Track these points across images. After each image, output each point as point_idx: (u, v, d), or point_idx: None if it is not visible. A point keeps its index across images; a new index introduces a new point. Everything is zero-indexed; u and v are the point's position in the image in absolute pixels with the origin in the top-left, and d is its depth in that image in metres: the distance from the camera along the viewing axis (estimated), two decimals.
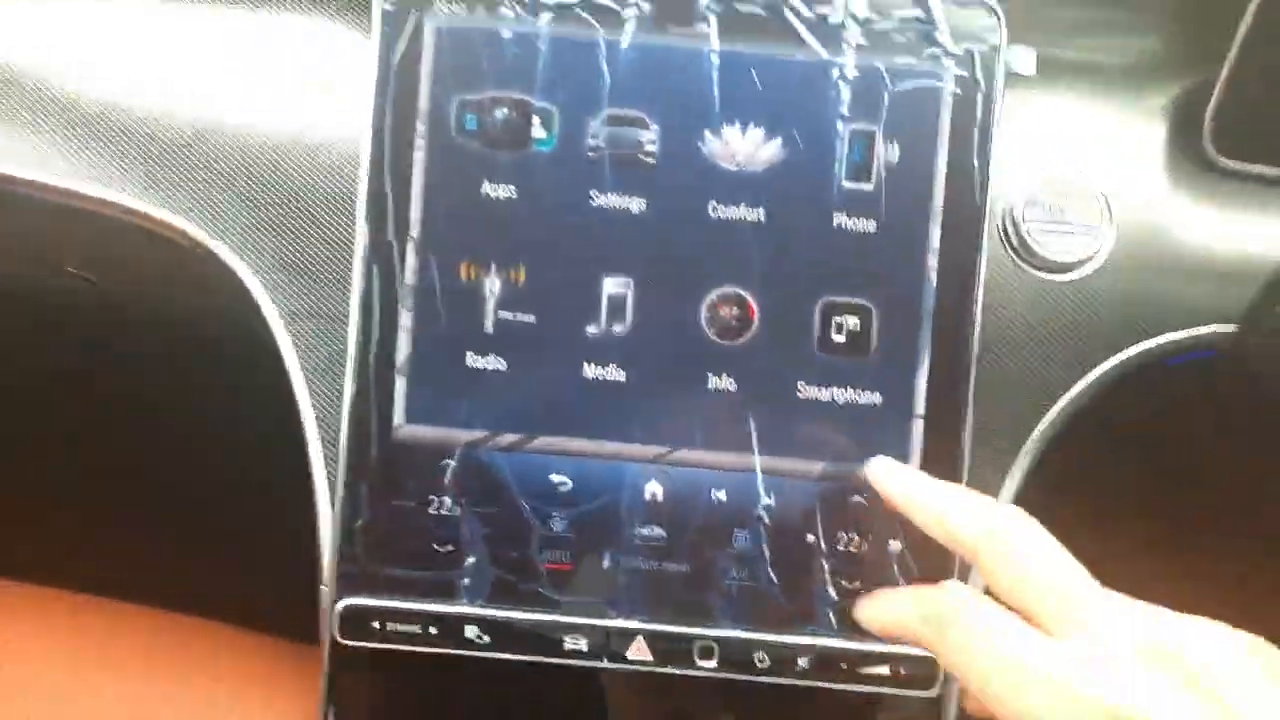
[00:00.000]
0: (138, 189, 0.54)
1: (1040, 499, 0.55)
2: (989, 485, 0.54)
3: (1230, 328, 0.55)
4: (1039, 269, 0.55)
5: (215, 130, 0.54)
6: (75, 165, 0.54)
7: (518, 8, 0.52)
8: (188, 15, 0.55)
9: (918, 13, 0.52)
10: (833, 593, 0.52)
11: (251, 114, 0.54)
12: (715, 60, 0.52)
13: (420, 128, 0.52)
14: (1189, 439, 0.70)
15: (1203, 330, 0.55)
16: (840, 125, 0.52)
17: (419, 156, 0.52)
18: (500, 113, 0.52)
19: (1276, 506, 0.74)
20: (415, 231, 0.52)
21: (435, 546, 0.52)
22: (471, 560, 0.52)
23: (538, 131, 0.52)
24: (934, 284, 0.52)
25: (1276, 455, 0.68)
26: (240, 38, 0.55)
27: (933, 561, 0.52)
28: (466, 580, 0.52)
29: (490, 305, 0.52)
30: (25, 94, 0.54)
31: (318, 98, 0.54)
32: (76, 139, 0.54)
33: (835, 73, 0.52)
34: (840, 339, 0.52)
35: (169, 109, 0.54)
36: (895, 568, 0.52)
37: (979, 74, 0.52)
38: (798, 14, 0.52)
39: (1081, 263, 0.55)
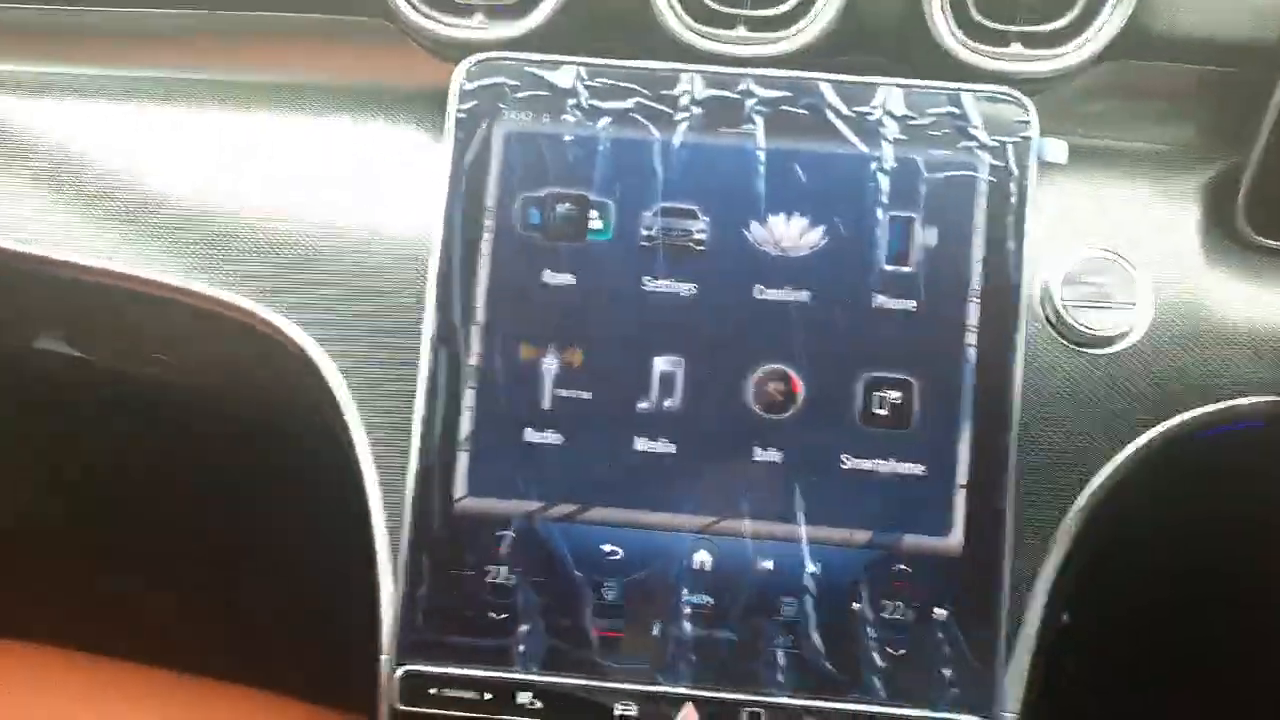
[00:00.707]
0: (221, 280, 0.59)
1: (1086, 565, 0.56)
2: (1035, 553, 0.55)
3: (1274, 398, 0.56)
4: (1079, 344, 0.57)
5: (295, 222, 0.59)
6: (170, 261, 0.59)
7: (578, 113, 0.56)
8: (278, 118, 0.62)
9: (951, 109, 0.56)
10: (879, 659, 0.53)
11: (330, 208, 0.60)
12: (761, 156, 0.56)
13: (488, 222, 0.56)
14: (1237, 506, 0.69)
15: (1245, 401, 0.56)
16: (880, 213, 0.55)
17: (485, 248, 0.56)
18: (561, 208, 0.56)
19: None
20: (480, 316, 0.56)
21: (492, 615, 0.54)
22: (526, 628, 0.54)
23: (595, 224, 0.56)
24: (973, 360, 0.54)
25: None
26: (325, 139, 0.61)
27: (978, 629, 0.53)
28: (521, 647, 0.54)
29: (548, 384, 0.55)
30: (129, 195, 0.60)
31: (393, 193, 0.60)
32: (166, 238, 0.60)
33: (874, 165, 0.56)
34: (882, 412, 0.54)
35: (253, 205, 0.60)
36: (940, 635, 0.53)
37: (1012, 164, 0.55)
38: (838, 113, 0.56)
39: (1120, 337, 0.57)
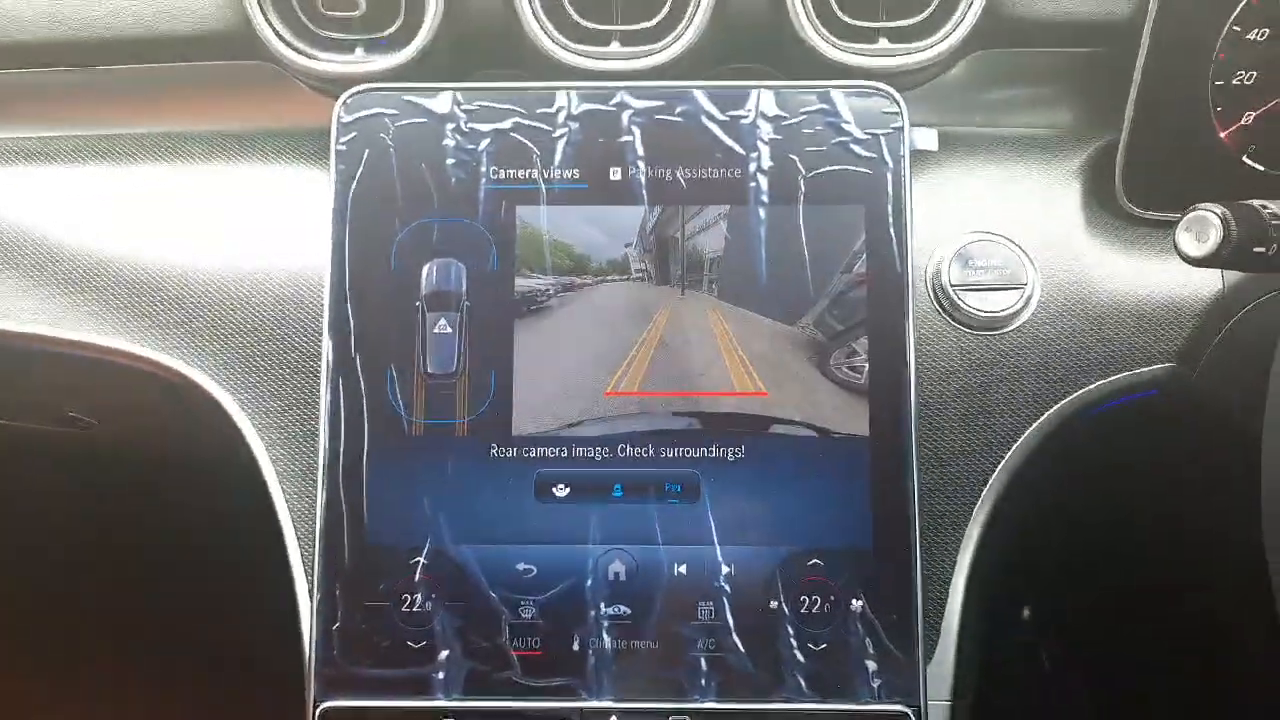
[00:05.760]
0: (124, 333, 0.59)
1: (1000, 553, 0.56)
2: (949, 539, 0.55)
3: (1167, 366, 0.57)
4: (973, 327, 0.58)
5: (193, 269, 0.59)
6: (71, 316, 0.59)
7: (459, 137, 0.57)
8: (171, 171, 0.62)
9: (823, 106, 0.57)
10: (800, 656, 0.53)
11: (227, 252, 0.60)
12: (642, 165, 0.57)
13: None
14: (1138, 478, 0.70)
15: (1138, 371, 0.57)
16: (762, 212, 0.56)
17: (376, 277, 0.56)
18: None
19: (1229, 532, 0.73)
20: (375, 346, 0.56)
21: (410, 643, 0.54)
22: (445, 654, 0.53)
23: None
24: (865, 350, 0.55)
25: (1227, 483, 0.68)
26: (219, 184, 0.61)
27: (896, 617, 0.53)
28: (441, 675, 0.53)
29: None
30: (32, 252, 0.60)
31: (286, 232, 0.60)
32: (71, 292, 0.59)
33: (753, 166, 0.56)
34: None
35: (151, 255, 0.60)
36: (859, 626, 0.53)
37: (886, 155, 0.56)
38: (713, 118, 0.57)
39: (1012, 317, 0.57)
